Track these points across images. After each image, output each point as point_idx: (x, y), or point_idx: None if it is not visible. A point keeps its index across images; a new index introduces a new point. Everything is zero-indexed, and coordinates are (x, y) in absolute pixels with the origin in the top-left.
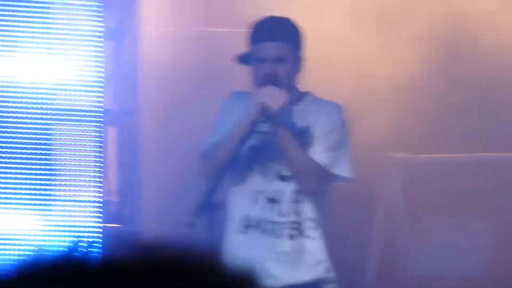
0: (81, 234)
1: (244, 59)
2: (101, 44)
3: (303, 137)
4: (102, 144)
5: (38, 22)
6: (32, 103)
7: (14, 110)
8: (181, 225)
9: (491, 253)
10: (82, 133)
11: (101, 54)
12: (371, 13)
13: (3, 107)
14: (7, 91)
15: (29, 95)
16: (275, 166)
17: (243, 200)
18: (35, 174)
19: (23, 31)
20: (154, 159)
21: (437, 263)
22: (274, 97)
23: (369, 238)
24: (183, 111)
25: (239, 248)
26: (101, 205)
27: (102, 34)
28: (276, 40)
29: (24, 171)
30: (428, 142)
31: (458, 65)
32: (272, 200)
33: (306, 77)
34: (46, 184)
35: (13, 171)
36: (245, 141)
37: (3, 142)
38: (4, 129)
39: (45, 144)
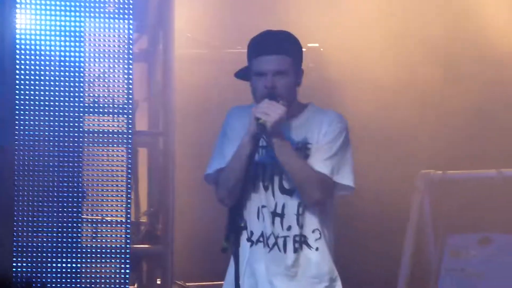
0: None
1: (241, 74)
2: (131, 66)
3: (303, 150)
4: (130, 166)
5: (69, 46)
6: (64, 124)
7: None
8: (214, 248)
9: None
10: (113, 155)
11: (131, 76)
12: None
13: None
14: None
15: (61, 117)
16: (278, 180)
17: (249, 216)
18: (66, 195)
19: (57, 55)
20: (185, 180)
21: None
22: (271, 111)
23: (400, 253)
24: (215, 131)
25: (248, 263)
26: (129, 226)
27: (131, 56)
28: (275, 54)
29: (56, 193)
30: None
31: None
32: (276, 214)
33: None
34: (76, 206)
35: (45, 192)
36: (252, 158)
37: (38, 165)
38: (37, 151)
39: (76, 165)
